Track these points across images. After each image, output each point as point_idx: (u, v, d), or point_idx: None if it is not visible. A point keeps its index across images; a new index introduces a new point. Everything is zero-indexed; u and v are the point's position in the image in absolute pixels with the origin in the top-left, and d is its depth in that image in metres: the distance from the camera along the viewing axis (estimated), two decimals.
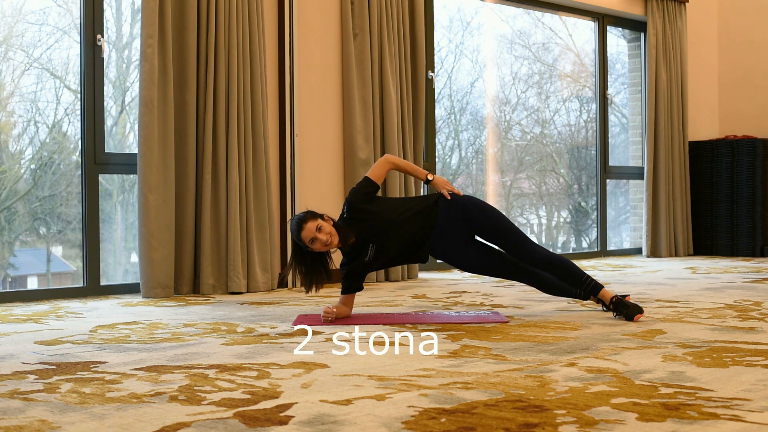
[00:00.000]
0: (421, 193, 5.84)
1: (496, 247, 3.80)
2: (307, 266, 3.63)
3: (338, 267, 3.79)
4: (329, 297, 4.55)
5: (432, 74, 6.19)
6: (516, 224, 4.09)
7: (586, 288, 3.71)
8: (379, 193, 4.08)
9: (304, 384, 2.32)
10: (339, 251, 3.72)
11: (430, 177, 3.79)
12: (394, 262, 3.77)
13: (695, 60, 8.17)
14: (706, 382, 2.30)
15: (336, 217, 3.76)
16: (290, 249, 5.20)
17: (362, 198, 3.66)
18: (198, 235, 4.85)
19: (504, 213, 4.27)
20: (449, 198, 3.70)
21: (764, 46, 8.14)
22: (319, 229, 3.50)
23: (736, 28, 8.33)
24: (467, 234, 3.73)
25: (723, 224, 7.66)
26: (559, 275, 3.73)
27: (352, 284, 3.71)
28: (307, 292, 3.69)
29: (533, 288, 4.01)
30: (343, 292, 3.72)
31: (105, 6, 4.77)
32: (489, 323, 3.51)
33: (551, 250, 3.98)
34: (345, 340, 3.10)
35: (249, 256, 4.95)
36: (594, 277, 3.78)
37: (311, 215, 3.55)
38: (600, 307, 3.90)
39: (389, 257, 3.70)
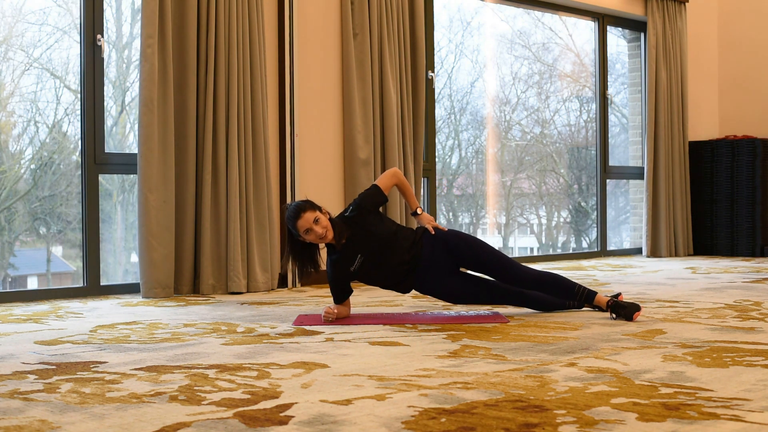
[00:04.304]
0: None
1: (483, 276, 3.79)
2: (297, 255, 3.62)
3: (324, 268, 3.76)
4: (329, 297, 4.55)
5: (432, 74, 6.19)
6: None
7: (579, 298, 3.71)
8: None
9: (304, 384, 2.32)
10: (327, 248, 3.70)
11: (419, 211, 3.79)
12: (377, 283, 3.74)
13: (695, 60, 8.17)
14: (706, 382, 2.30)
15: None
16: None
17: (372, 205, 3.66)
18: (198, 235, 4.85)
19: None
20: (432, 233, 3.70)
21: (764, 46, 8.14)
22: (316, 221, 3.50)
23: (736, 28, 8.33)
24: (452, 266, 3.73)
25: (723, 224, 7.66)
26: (550, 292, 3.73)
27: (341, 294, 3.69)
28: (300, 279, 3.67)
29: (526, 308, 3.96)
30: (336, 303, 3.71)
31: (105, 6, 4.77)
32: (489, 323, 3.51)
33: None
34: (345, 341, 3.10)
35: (249, 256, 4.95)
36: (585, 285, 3.77)
37: (310, 205, 3.54)
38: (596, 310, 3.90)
39: (373, 276, 3.69)
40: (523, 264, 3.79)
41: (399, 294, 4.72)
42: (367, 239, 3.61)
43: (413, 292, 4.76)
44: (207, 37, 4.83)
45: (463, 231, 3.83)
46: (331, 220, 3.59)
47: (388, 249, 3.63)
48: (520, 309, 3.96)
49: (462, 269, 3.80)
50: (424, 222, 3.76)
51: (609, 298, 3.66)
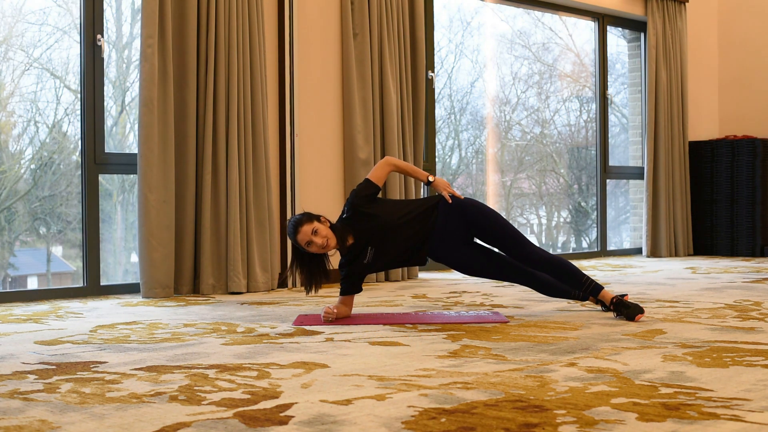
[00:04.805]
0: (421, 195, 5.84)
1: (495, 249, 3.80)
2: (305, 267, 3.63)
3: (336, 267, 3.79)
4: (329, 297, 4.55)
5: (432, 74, 6.19)
6: (515, 226, 4.10)
7: (585, 289, 3.71)
8: (380, 194, 4.08)
9: (304, 384, 2.32)
10: (337, 252, 3.72)
11: (431, 179, 3.79)
12: (393, 264, 3.76)
13: (695, 60, 8.17)
14: (706, 382, 2.30)
15: (334, 219, 3.75)
16: (290, 249, 5.22)
17: (364, 199, 3.65)
18: (198, 235, 4.86)
19: (504, 213, 4.27)
20: (449, 201, 3.70)
21: (764, 46, 8.14)
22: (315, 232, 3.49)
23: (736, 28, 8.33)
24: (466, 236, 3.74)
25: (723, 224, 7.66)
26: (558, 276, 3.73)
27: (350, 287, 3.71)
28: (307, 293, 3.69)
29: (531, 289, 4.00)
30: (341, 294, 3.72)
31: (105, 6, 4.77)
32: (489, 323, 3.51)
33: (550, 251, 3.97)
34: (345, 341, 3.10)
35: (249, 256, 4.95)
36: (593, 278, 3.78)
37: (307, 218, 3.54)
38: (599, 308, 3.90)
39: (388, 259, 3.70)
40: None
41: (399, 294, 4.73)
42: (369, 230, 3.61)
43: (414, 291, 4.76)
44: (207, 37, 4.83)
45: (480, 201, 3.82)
46: (331, 226, 3.58)
47: (392, 228, 3.61)
48: (520, 309, 3.96)
49: (477, 242, 3.81)
50: (440, 189, 3.76)
51: (614, 296, 3.66)
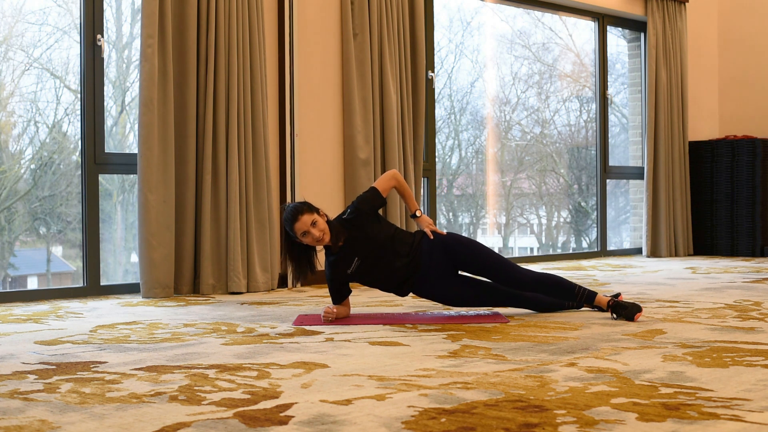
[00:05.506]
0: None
1: (480, 278, 3.79)
2: (295, 256, 3.61)
3: (322, 267, 3.76)
4: (329, 297, 4.55)
5: (432, 74, 6.19)
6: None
7: (579, 299, 3.71)
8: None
9: (304, 384, 2.32)
10: (323, 249, 3.70)
11: (418, 213, 3.77)
12: (373, 284, 3.74)
13: (695, 60, 8.17)
14: (706, 382, 2.30)
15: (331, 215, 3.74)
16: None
17: (371, 208, 3.65)
18: (198, 235, 4.86)
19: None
20: (431, 237, 3.69)
21: (764, 46, 8.14)
22: (314, 224, 3.49)
23: (736, 28, 8.33)
24: (450, 269, 3.72)
25: (723, 224, 7.66)
26: (550, 293, 3.72)
27: (339, 294, 3.68)
28: (297, 280, 3.66)
29: (525, 309, 3.93)
30: (333, 303, 3.70)
31: (105, 6, 4.77)
32: (489, 323, 3.51)
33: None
34: (345, 340, 3.10)
35: (249, 256, 4.95)
36: (585, 286, 3.76)
37: (308, 208, 3.53)
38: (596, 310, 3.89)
39: (370, 279, 3.68)
40: (521, 266, 3.79)
41: None
42: (364, 242, 3.60)
43: None
44: (207, 37, 4.83)
45: (461, 234, 3.81)
46: (328, 222, 3.58)
47: (385, 252, 3.62)
48: (520, 309, 3.96)
49: (460, 272, 3.80)
50: (423, 225, 3.76)
51: (609, 298, 3.66)
